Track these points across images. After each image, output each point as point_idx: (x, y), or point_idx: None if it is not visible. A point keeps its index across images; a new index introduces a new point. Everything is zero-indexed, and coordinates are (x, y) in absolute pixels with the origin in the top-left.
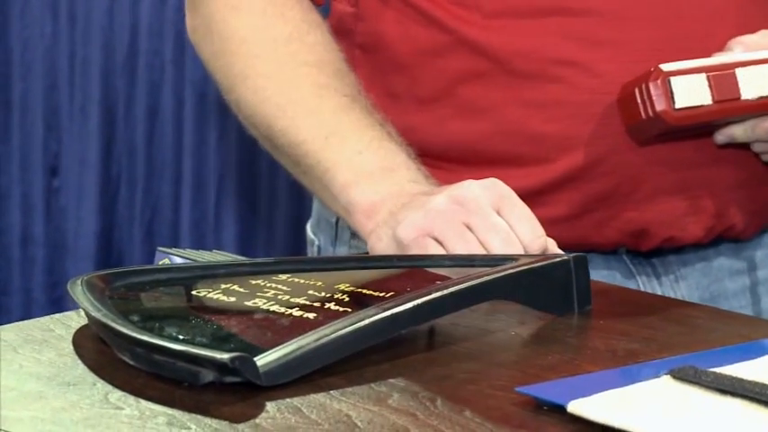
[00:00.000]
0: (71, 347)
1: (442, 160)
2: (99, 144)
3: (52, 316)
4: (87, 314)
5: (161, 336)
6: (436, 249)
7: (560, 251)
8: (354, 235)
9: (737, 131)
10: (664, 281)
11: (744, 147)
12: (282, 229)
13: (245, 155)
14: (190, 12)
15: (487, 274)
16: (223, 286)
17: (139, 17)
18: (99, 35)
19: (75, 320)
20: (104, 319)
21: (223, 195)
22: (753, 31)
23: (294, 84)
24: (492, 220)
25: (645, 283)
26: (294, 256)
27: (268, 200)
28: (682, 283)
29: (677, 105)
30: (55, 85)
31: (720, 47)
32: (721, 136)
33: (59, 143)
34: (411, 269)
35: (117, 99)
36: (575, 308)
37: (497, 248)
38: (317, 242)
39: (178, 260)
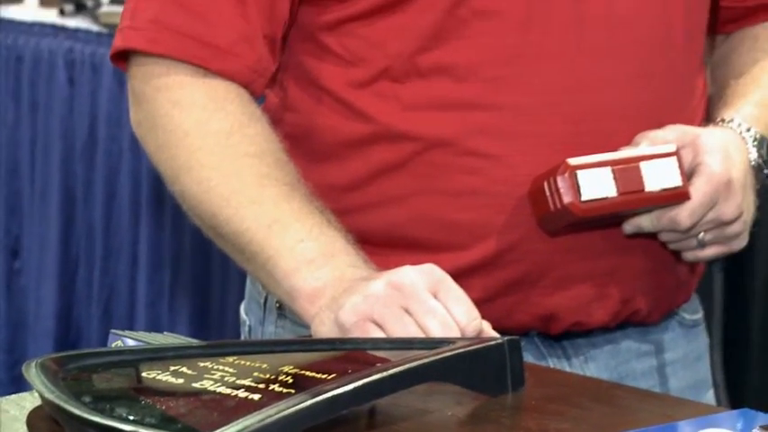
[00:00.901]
0: (24, 429)
1: (369, 245)
2: (59, 226)
3: (7, 397)
4: (41, 395)
5: (112, 417)
6: (376, 333)
7: (495, 333)
8: (281, 315)
9: (644, 222)
10: (574, 362)
11: (651, 236)
12: (233, 312)
13: (199, 239)
14: (134, 107)
15: (425, 357)
16: (172, 368)
17: (98, 106)
18: (59, 122)
19: (29, 401)
20: (57, 401)
21: (178, 277)
22: (659, 125)
23: (236, 174)
24: (429, 304)
25: (555, 365)
26: (241, 339)
27: (221, 283)
28: (591, 364)
29: (584, 198)
30: (16, 170)
31: (627, 141)
32: (629, 226)
33: (20, 226)
34: (352, 352)
35: (76, 184)
36: (509, 388)
37: (435, 331)
38: (247, 322)
39: (131, 342)
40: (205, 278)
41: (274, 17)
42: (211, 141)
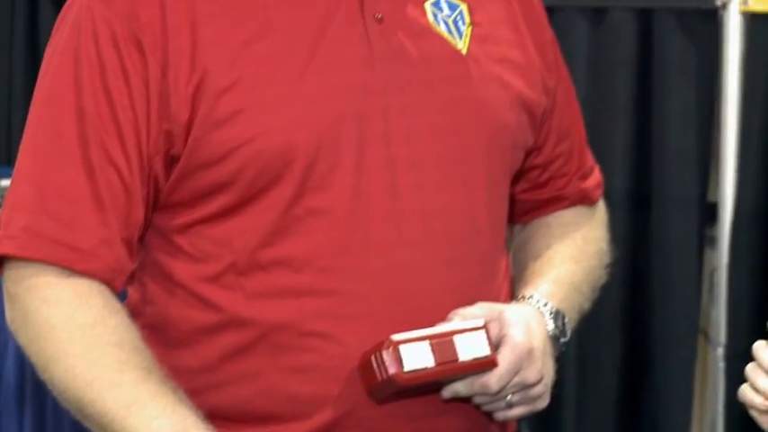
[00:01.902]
0: None
1: (221, 419)
2: None
3: None
4: None
5: None
6: None
7: None
8: None
9: (459, 387)
10: None
11: (466, 399)
12: None
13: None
14: (8, 305)
15: None
16: None
17: None
18: None
19: None
20: None
21: None
22: (469, 303)
23: (99, 362)
24: None
25: None
26: None
27: None
28: None
29: (406, 369)
30: None
31: (443, 318)
32: (446, 392)
33: None
34: None
35: None
36: None
37: None
38: None
39: None
40: None
41: (131, 223)
42: (77, 333)
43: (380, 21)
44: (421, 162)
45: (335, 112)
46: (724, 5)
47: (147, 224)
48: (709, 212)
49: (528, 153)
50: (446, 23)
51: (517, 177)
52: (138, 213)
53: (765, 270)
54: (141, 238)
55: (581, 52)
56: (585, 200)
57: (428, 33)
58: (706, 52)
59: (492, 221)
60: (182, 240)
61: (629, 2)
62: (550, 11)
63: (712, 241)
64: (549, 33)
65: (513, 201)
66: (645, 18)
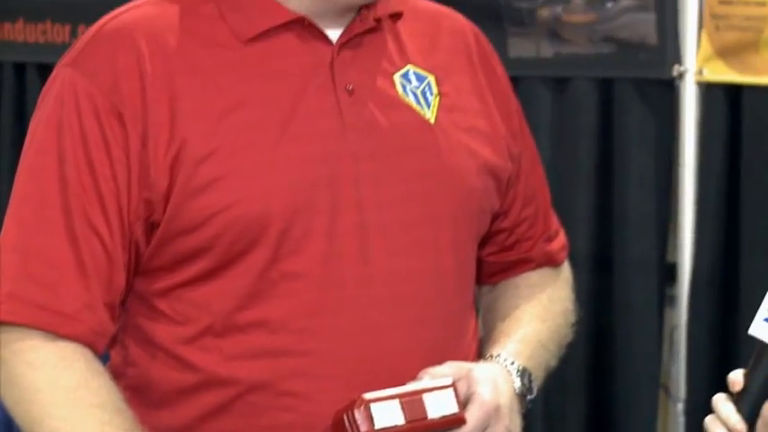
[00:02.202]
0: None
1: None
2: None
3: None
4: None
5: None
6: None
7: None
8: None
9: None
10: None
11: None
12: None
13: None
14: None
15: None
16: None
17: None
18: None
19: None
20: None
21: None
22: (439, 362)
23: (82, 423)
24: None
25: None
26: None
27: None
28: None
29: (377, 426)
30: None
31: (413, 376)
32: None
33: None
34: None
35: None
36: None
37: None
38: None
39: None
40: None
41: (113, 287)
42: (61, 395)
43: (351, 92)
44: (391, 227)
45: (309, 179)
46: (680, 76)
47: (129, 288)
48: (669, 273)
49: (495, 217)
50: (415, 94)
51: (485, 240)
52: (120, 278)
53: (723, 327)
54: (123, 302)
55: (545, 120)
56: (551, 262)
57: (397, 104)
58: (664, 120)
59: (460, 283)
60: (162, 304)
61: (591, 72)
62: (515, 80)
63: (672, 300)
64: (514, 103)
65: (481, 263)
66: (605, 88)
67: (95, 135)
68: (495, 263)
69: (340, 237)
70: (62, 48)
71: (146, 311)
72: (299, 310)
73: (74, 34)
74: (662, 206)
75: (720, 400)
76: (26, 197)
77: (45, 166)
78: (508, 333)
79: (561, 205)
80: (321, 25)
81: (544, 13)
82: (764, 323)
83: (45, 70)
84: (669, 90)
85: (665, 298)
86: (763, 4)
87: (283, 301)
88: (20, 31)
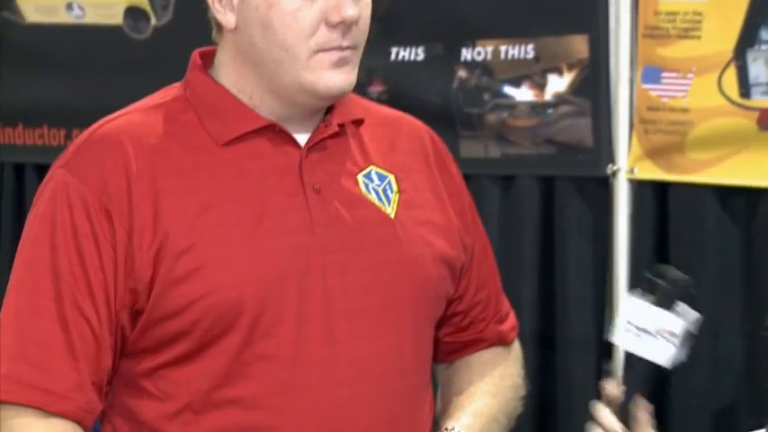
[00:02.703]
0: None
1: None
2: None
3: None
4: None
5: None
6: None
7: None
8: None
9: None
10: None
11: None
12: None
13: None
14: None
15: None
16: None
17: None
18: None
19: None
20: None
21: None
22: None
23: None
24: None
25: None
26: None
27: None
28: None
29: None
30: None
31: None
32: None
33: None
34: None
35: None
36: None
37: None
38: None
39: None
40: None
41: (100, 368)
42: None
43: (318, 191)
44: (355, 313)
45: (280, 270)
46: (614, 174)
47: (115, 369)
48: (606, 350)
49: (450, 302)
50: (377, 192)
51: (442, 322)
52: (107, 360)
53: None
54: (110, 382)
55: (494, 214)
56: (502, 341)
57: (360, 201)
58: (600, 214)
59: (418, 362)
60: (146, 383)
61: (534, 171)
62: (467, 178)
63: (609, 374)
64: (467, 198)
65: (438, 343)
66: (547, 185)
67: (85, 230)
68: (452, 342)
69: (308, 322)
70: (57, 150)
71: (131, 390)
72: (271, 389)
73: (68, 137)
74: (599, 290)
75: (600, 408)
76: (22, 285)
77: (39, 257)
78: (462, 407)
79: (509, 289)
80: (290, 130)
81: (492, 118)
82: (624, 332)
83: (42, 170)
84: (604, 187)
85: (602, 372)
86: (686, 111)
87: (256, 381)
88: (19, 135)
